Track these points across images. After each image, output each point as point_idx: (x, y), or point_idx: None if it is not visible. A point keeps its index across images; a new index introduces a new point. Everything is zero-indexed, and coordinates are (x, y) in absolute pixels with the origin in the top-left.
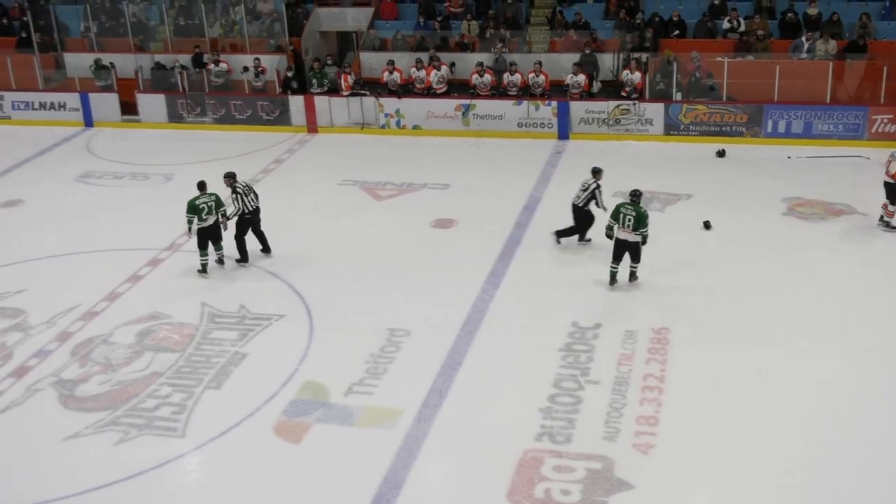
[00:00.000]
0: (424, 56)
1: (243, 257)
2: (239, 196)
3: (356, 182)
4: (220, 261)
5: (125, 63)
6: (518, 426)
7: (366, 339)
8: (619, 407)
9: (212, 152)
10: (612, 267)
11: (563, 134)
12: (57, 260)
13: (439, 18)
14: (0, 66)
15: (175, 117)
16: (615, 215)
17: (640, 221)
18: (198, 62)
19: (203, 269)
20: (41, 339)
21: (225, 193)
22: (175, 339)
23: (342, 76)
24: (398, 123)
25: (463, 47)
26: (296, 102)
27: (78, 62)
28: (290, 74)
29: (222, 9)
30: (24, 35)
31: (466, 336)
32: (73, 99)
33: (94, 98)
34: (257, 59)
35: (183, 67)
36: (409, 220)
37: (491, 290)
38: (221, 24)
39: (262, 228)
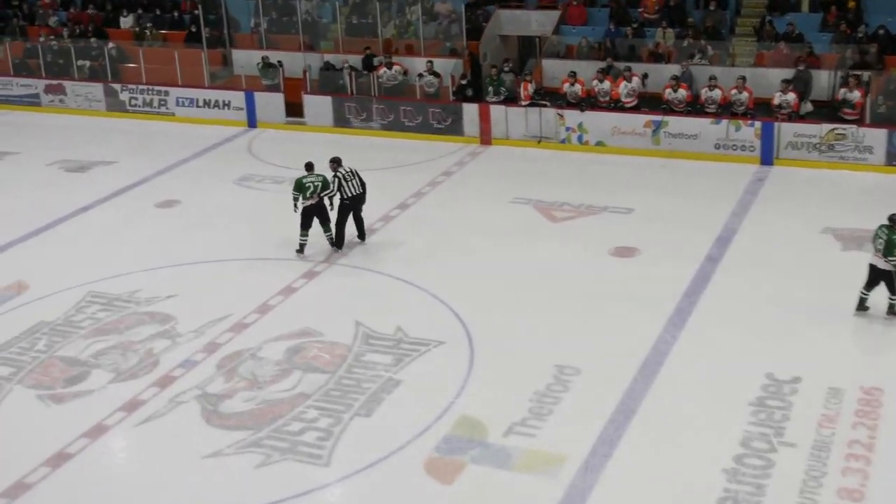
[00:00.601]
0: (613, 66)
1: (338, 242)
2: (339, 180)
3: (529, 201)
4: (331, 242)
5: (293, 62)
6: (698, 488)
7: (531, 374)
8: (817, 476)
9: (377, 160)
10: (861, 292)
11: (767, 159)
12: (210, 266)
13: (633, 25)
14: (167, 60)
15: (341, 121)
16: (872, 237)
17: (890, 248)
18: (368, 64)
19: (300, 250)
20: (188, 349)
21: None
22: (326, 358)
23: (521, 84)
24: (580, 139)
25: (657, 58)
26: (470, 111)
27: (245, 59)
28: (464, 81)
29: (398, 8)
30: (193, 29)
31: (644, 380)
32: (237, 97)
33: (260, 97)
34: (430, 62)
35: (352, 68)
36: (587, 247)
37: (674, 331)
38: (396, 24)
39: (363, 215)
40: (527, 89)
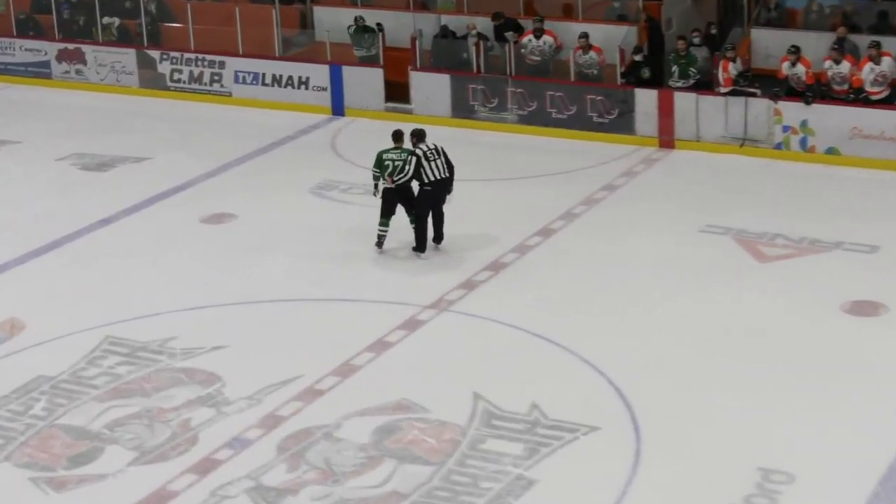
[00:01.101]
0: (857, 41)
1: (419, 244)
2: (417, 160)
3: (727, 230)
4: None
5: (398, 25)
6: None
7: (724, 480)
8: None
9: (510, 165)
10: None
11: None
12: (273, 307)
13: None
14: (225, 18)
15: (463, 110)
16: None
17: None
18: (502, 32)
19: (379, 243)
20: (238, 422)
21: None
22: (430, 444)
23: (721, 64)
24: (803, 143)
25: None
26: (645, 100)
27: (333, 20)
28: (638, 58)
29: None
30: None
31: (890, 494)
32: (320, 73)
33: (350, 74)
34: (584, 35)
35: (480, 37)
36: (809, 298)
37: None
38: None
39: (444, 209)
40: (728, 70)
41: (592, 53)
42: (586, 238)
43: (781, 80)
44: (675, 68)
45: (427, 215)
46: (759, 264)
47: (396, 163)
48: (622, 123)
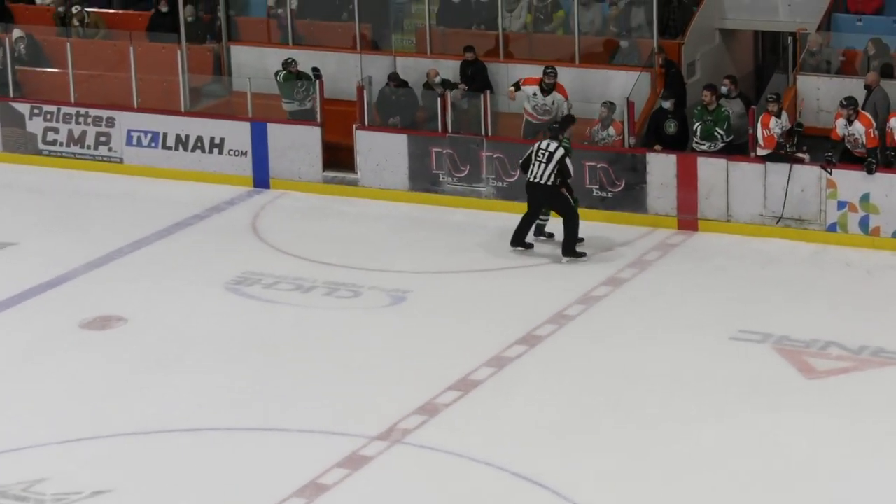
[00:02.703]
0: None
1: (514, 237)
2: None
3: (767, 337)
4: (543, 232)
5: (341, 71)
6: None
7: None
8: None
9: (484, 254)
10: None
11: None
12: (173, 440)
13: None
14: (116, 61)
15: (425, 182)
16: None
17: None
18: (473, 74)
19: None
20: None
21: None
22: None
23: (761, 119)
24: (864, 224)
25: None
26: (661, 167)
27: (256, 63)
28: (666, 105)
29: None
30: (163, 9)
31: None
32: (238, 133)
33: (278, 134)
34: (609, 104)
35: (447, 85)
36: (873, 426)
37: None
38: (534, 4)
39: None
40: (769, 127)
41: (612, 130)
42: (583, 347)
43: (836, 141)
44: (697, 126)
45: (529, 217)
46: (807, 381)
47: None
48: (631, 198)
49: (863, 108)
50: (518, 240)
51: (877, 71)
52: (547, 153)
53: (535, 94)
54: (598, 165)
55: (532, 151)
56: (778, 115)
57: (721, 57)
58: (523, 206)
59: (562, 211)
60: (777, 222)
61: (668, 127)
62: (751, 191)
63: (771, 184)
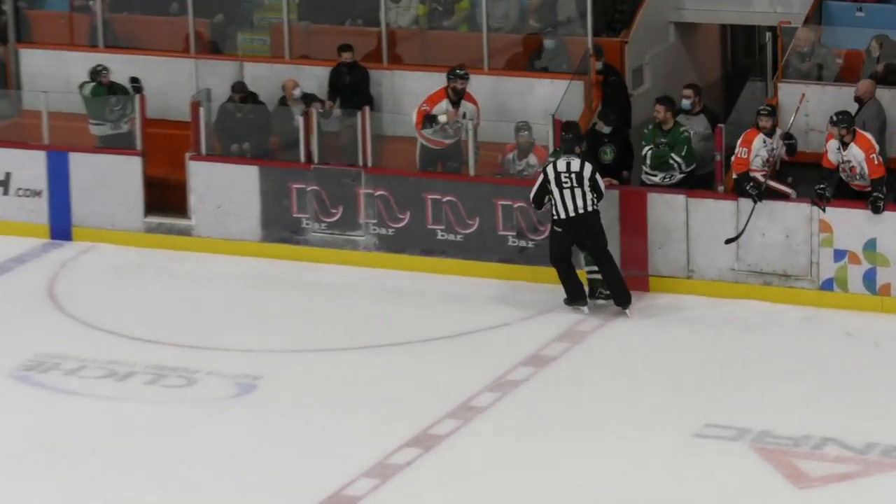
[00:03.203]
0: None
1: (569, 296)
2: (540, 182)
3: (742, 433)
4: (599, 292)
5: (170, 82)
6: None
7: None
8: None
9: (362, 327)
10: None
11: None
12: None
13: None
14: None
15: (282, 229)
16: None
17: None
18: (346, 79)
19: (591, 293)
20: None
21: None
22: None
23: (745, 136)
24: (869, 280)
25: None
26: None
27: (54, 71)
28: (605, 129)
29: None
30: None
31: None
32: (29, 166)
33: (82, 167)
34: (524, 124)
35: (310, 100)
36: None
37: None
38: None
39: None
40: (751, 148)
41: (532, 158)
42: (496, 453)
43: (830, 170)
44: (648, 151)
45: (564, 265)
46: (797, 491)
47: (570, 173)
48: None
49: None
50: (579, 294)
51: (873, 78)
52: (574, 175)
53: (447, 109)
54: (515, 205)
55: (546, 180)
56: (769, 135)
57: (678, 60)
58: (417, 262)
59: (601, 245)
60: (729, 240)
61: (603, 154)
62: (720, 237)
63: (749, 226)
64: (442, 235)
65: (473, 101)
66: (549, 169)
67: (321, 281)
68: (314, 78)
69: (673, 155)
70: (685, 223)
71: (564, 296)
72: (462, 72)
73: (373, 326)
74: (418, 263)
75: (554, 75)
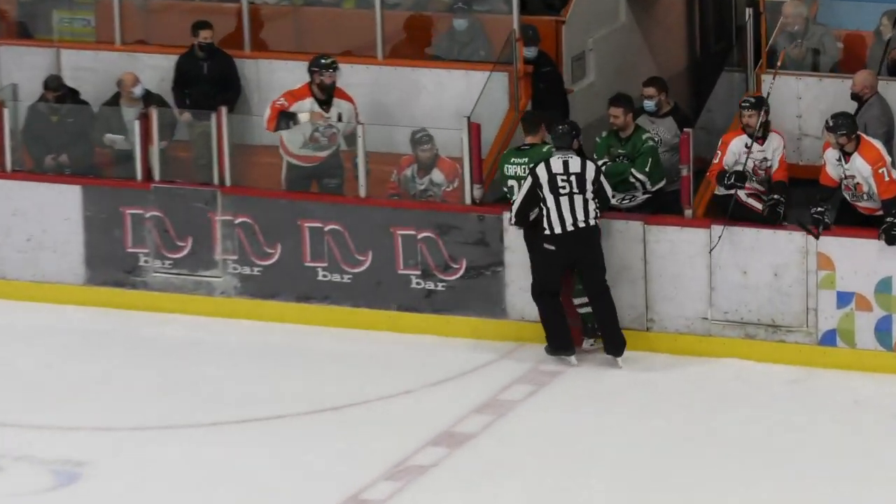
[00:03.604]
0: None
1: (554, 345)
2: (528, 186)
3: None
4: (590, 329)
5: None
6: None
7: None
8: None
9: (217, 395)
10: None
11: None
12: None
13: None
14: None
15: (114, 270)
16: None
17: None
18: (203, 68)
19: (586, 331)
20: None
21: None
22: None
23: (723, 139)
24: (882, 333)
25: None
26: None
27: None
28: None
29: None
30: None
31: None
32: None
33: None
34: (424, 134)
35: (151, 100)
36: None
37: None
38: None
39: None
40: (727, 151)
41: (438, 175)
42: None
43: (829, 188)
44: (601, 166)
45: (550, 299)
46: None
47: (521, 176)
48: (478, 292)
49: None
50: (565, 340)
51: (873, 69)
52: (574, 177)
53: (312, 106)
54: (420, 235)
55: (536, 184)
56: (754, 136)
57: (631, 45)
58: (287, 309)
59: (599, 272)
60: (712, 248)
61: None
62: (688, 275)
63: (725, 260)
64: (324, 275)
65: (348, 99)
66: (541, 170)
67: (165, 337)
68: (153, 70)
69: (634, 171)
70: (642, 258)
71: (592, 333)
72: (328, 61)
73: (232, 396)
74: (293, 312)
75: (469, 65)
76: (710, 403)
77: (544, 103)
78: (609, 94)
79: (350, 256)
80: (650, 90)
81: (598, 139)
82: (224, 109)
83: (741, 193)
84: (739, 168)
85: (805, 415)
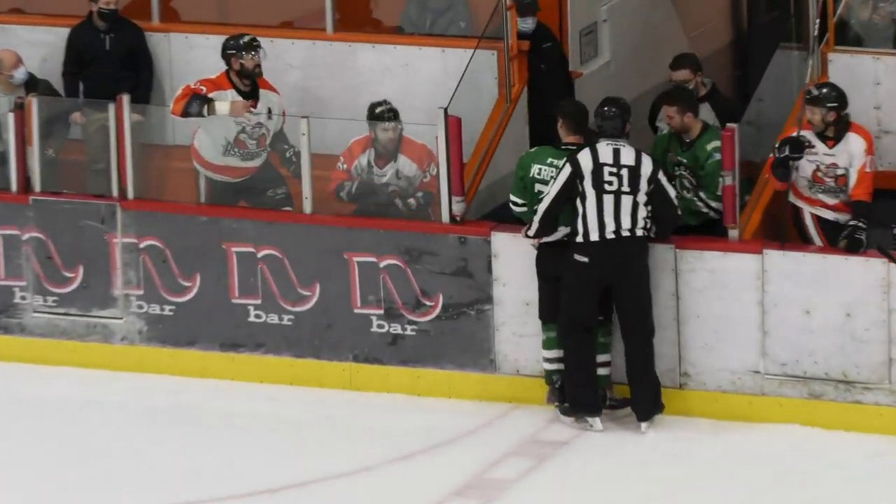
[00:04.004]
0: None
1: (575, 398)
2: (571, 176)
3: None
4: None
5: None
6: None
7: None
8: None
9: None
10: None
11: None
12: None
13: None
14: None
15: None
16: None
17: None
18: (105, 42)
19: (553, 387)
20: None
21: None
22: None
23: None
24: None
25: None
26: (523, 267)
27: None
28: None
29: None
30: None
31: None
32: None
33: None
34: (384, 106)
35: (39, 90)
36: None
37: None
38: None
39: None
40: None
41: (406, 163)
42: None
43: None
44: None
45: (582, 327)
46: None
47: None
48: (449, 338)
49: None
50: (591, 396)
51: None
52: (627, 171)
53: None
54: (382, 263)
55: (576, 174)
56: (827, 137)
57: (656, 14)
58: (208, 361)
59: (642, 301)
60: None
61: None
62: (734, 316)
63: (782, 295)
64: (257, 316)
65: (272, 89)
66: (585, 157)
67: (50, 397)
68: (33, 46)
69: (704, 196)
70: (674, 293)
71: (560, 396)
72: (248, 40)
73: (135, 475)
74: (216, 365)
75: (446, 41)
76: (762, 484)
77: (544, 89)
78: (628, 76)
79: (291, 291)
80: (682, 73)
81: (656, 138)
82: (126, 98)
83: (806, 212)
84: (802, 179)
85: (889, 500)
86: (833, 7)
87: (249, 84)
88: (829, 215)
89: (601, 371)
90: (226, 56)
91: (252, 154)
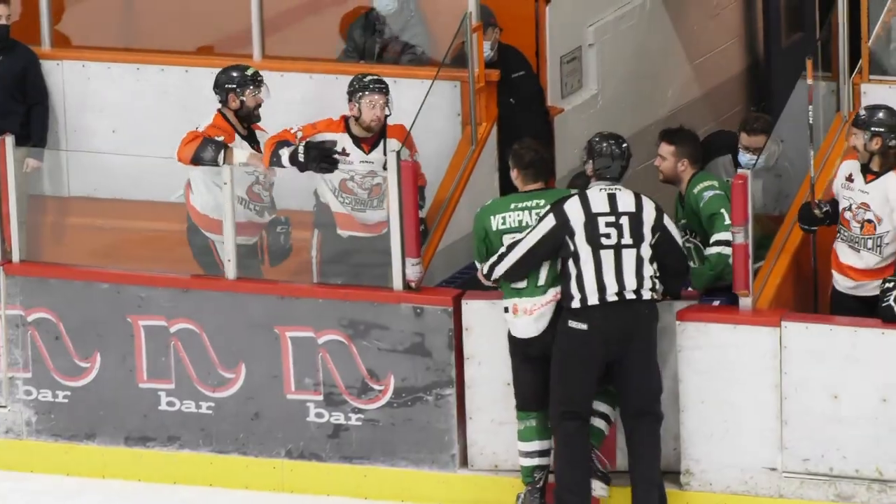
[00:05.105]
0: None
1: (566, 498)
2: (556, 227)
3: None
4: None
5: None
6: None
7: None
8: None
9: None
10: None
11: None
12: None
13: None
14: None
15: None
16: None
17: None
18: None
19: (534, 485)
20: None
21: None
22: None
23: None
24: None
25: None
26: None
27: None
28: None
29: None
30: None
31: None
32: None
33: None
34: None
35: None
36: None
37: None
38: None
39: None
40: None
41: (394, 143)
42: None
43: None
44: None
45: (577, 415)
46: None
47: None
48: (418, 429)
49: None
50: (585, 500)
51: None
52: (627, 219)
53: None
54: (322, 339)
55: (562, 225)
56: (871, 165)
57: (654, 37)
58: (108, 458)
59: (649, 383)
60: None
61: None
62: (746, 402)
63: (804, 377)
64: (170, 403)
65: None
66: (573, 207)
67: None
68: None
69: (717, 238)
70: (674, 375)
71: (541, 500)
72: (252, 73)
73: None
74: (120, 463)
75: (399, 70)
76: None
77: (516, 129)
78: (619, 112)
79: (212, 373)
80: (759, 139)
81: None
82: (9, 139)
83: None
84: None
85: None
86: (867, 28)
87: (247, 127)
88: (846, 285)
89: (597, 424)
90: (223, 91)
91: (265, 207)
